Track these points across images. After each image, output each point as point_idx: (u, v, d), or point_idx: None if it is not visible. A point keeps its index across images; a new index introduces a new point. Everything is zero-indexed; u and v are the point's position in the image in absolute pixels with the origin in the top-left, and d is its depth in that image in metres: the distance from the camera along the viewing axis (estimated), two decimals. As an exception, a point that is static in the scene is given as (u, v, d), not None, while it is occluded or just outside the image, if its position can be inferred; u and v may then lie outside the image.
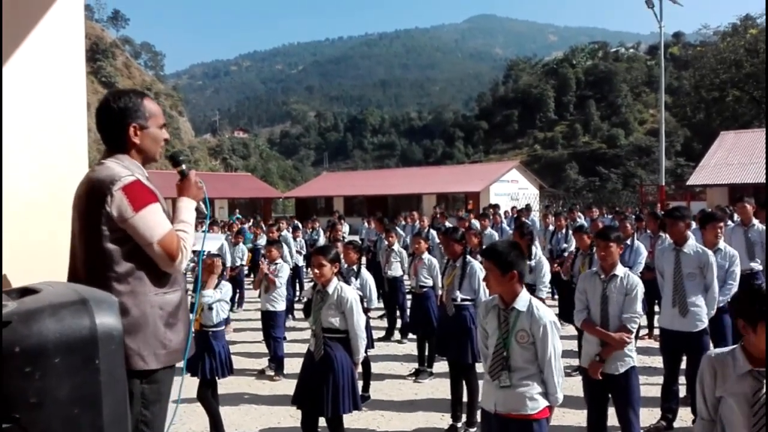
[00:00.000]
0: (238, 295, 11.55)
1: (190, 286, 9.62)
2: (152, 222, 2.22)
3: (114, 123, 2.37)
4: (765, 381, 2.34)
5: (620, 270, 4.22)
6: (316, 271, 4.20)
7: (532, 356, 3.11)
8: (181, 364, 2.47)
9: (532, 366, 3.11)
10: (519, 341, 3.10)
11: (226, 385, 6.09)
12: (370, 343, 6.12)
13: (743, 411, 2.36)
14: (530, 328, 3.08)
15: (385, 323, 9.23)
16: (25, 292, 1.52)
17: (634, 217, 10.27)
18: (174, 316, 2.35)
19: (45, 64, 2.56)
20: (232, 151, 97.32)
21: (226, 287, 5.44)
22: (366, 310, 6.23)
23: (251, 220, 21.57)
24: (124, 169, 2.29)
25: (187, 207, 2.46)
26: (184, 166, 2.58)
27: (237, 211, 30.10)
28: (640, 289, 4.16)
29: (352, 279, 5.94)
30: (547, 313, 3.13)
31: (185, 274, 8.94)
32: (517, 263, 3.12)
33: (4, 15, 2.33)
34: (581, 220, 14.10)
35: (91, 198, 2.24)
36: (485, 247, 3.25)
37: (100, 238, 2.22)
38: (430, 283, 7.07)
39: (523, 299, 3.14)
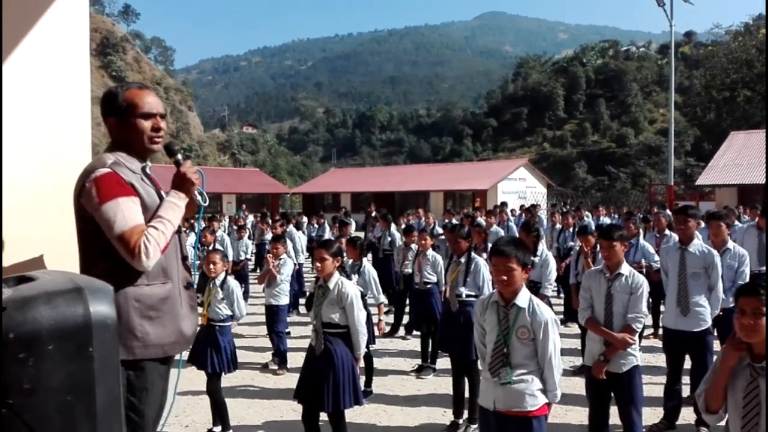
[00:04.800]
0: (243, 290, 11.58)
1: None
2: (115, 216, 2.21)
3: (104, 119, 2.44)
4: (765, 375, 2.37)
5: (625, 269, 4.20)
6: (318, 264, 4.21)
7: (531, 352, 3.11)
8: (178, 357, 2.47)
9: (531, 362, 3.11)
10: (520, 337, 3.10)
11: (229, 379, 6.11)
12: (372, 339, 6.12)
13: (738, 403, 2.39)
14: (531, 324, 3.09)
15: (389, 319, 9.24)
16: (22, 279, 1.54)
17: (640, 216, 10.20)
18: (155, 309, 2.32)
19: (48, 57, 2.56)
20: (241, 147, 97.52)
21: (231, 283, 5.44)
22: (366, 305, 6.24)
23: (260, 216, 21.66)
24: (107, 160, 2.32)
25: (171, 202, 2.41)
26: (179, 156, 2.54)
27: (243, 206, 30.19)
28: (645, 289, 4.14)
29: (354, 275, 5.94)
30: (547, 310, 3.15)
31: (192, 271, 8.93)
32: (529, 260, 3.20)
33: (7, 7, 2.34)
34: (588, 219, 14.08)
35: (75, 189, 2.32)
36: (500, 245, 3.15)
37: (80, 227, 2.31)
38: (434, 279, 7.07)
39: (524, 296, 3.14)
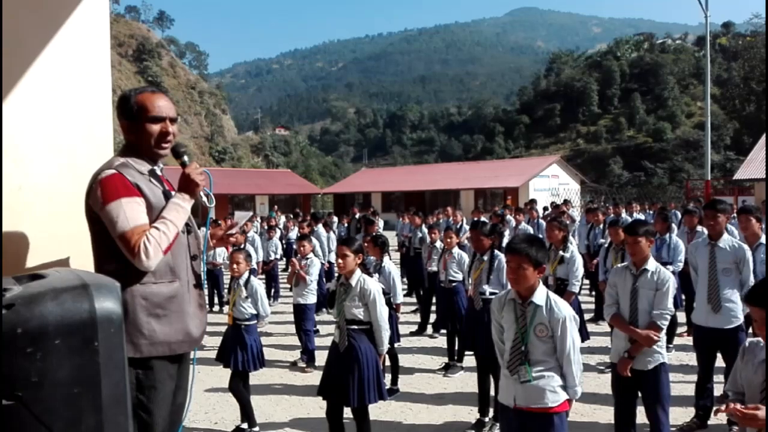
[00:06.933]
0: (273, 289, 11.73)
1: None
2: (117, 216, 2.24)
3: (119, 122, 2.48)
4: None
5: (651, 264, 4.12)
6: (340, 261, 4.27)
7: (550, 349, 3.09)
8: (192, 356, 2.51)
9: (551, 359, 3.09)
10: (538, 335, 3.09)
11: (258, 376, 6.20)
12: (396, 337, 6.12)
13: (753, 400, 2.35)
14: (549, 322, 3.07)
15: (417, 317, 9.24)
16: (34, 277, 1.61)
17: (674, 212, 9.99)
18: (162, 307, 2.35)
19: (70, 60, 2.62)
20: (274, 148, 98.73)
21: (255, 283, 5.51)
22: (391, 305, 6.24)
23: (292, 216, 21.87)
24: (115, 162, 2.37)
25: (175, 203, 2.41)
26: (185, 158, 2.55)
27: (275, 207, 30.54)
28: (672, 285, 4.06)
29: (375, 274, 5.95)
30: (565, 306, 3.13)
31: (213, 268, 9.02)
32: (544, 258, 3.16)
33: (30, 11, 2.41)
34: (624, 215, 13.82)
35: (86, 191, 2.38)
36: (514, 243, 3.16)
37: (90, 227, 2.37)
38: (459, 277, 7.04)
39: (541, 293, 3.13)
